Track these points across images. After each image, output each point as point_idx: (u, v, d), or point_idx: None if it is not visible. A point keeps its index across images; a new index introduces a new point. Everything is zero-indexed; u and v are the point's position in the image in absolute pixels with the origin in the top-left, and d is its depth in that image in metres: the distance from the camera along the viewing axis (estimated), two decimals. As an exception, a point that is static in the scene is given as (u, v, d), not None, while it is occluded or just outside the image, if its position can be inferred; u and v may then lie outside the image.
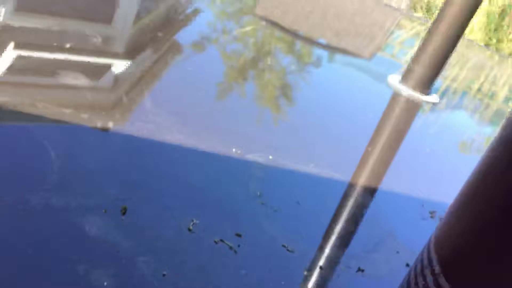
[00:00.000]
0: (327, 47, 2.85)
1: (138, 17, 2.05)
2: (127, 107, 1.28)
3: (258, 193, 1.09)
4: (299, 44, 2.69)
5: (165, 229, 0.89)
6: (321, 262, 0.96)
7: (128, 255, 0.80)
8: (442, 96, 2.63)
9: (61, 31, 1.53)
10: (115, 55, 1.59)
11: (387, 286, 0.97)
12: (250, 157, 1.23)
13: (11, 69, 1.23)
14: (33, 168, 0.92)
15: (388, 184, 1.41)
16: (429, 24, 2.40)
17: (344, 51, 2.89)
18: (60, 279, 0.72)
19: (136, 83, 1.41)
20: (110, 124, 1.15)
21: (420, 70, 2.29)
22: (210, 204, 1.01)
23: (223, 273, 0.84)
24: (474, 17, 2.28)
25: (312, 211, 1.14)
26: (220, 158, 1.19)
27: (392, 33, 3.94)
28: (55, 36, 1.49)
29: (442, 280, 0.61)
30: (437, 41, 2.22)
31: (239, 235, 0.93)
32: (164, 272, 0.79)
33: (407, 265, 1.04)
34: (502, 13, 4.58)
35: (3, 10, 1.51)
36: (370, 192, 1.33)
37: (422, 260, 0.65)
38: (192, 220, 0.92)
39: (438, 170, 1.67)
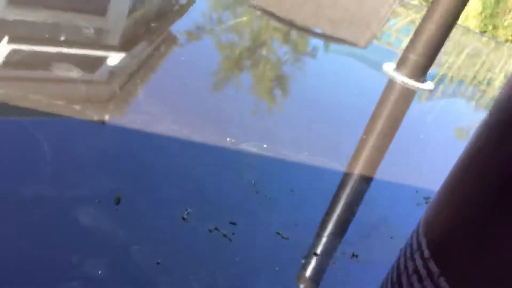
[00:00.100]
0: (322, 36, 2.85)
1: (132, 8, 2.05)
2: (121, 98, 1.28)
3: (253, 182, 1.10)
4: (294, 34, 2.69)
5: (159, 218, 0.89)
6: (316, 249, 0.97)
7: (122, 244, 0.80)
8: (438, 83, 2.64)
9: (54, 23, 1.53)
10: (109, 47, 1.59)
11: (381, 271, 0.97)
12: (245, 146, 1.24)
13: (4, 62, 1.23)
14: (26, 160, 0.92)
15: (383, 171, 1.42)
16: (424, 11, 2.40)
17: (340, 40, 2.89)
18: (54, 269, 0.73)
19: (130, 75, 1.41)
20: (104, 116, 1.16)
21: (414, 58, 2.29)
22: (204, 193, 1.02)
23: (217, 261, 0.85)
24: (468, 4, 2.28)
25: (307, 199, 1.14)
26: (215, 147, 1.20)
27: (387, 20, 3.93)
28: (49, 29, 1.49)
29: (431, 264, 0.61)
30: (431, 29, 2.22)
31: (233, 223, 0.94)
32: (159, 261, 0.80)
33: (401, 250, 1.05)
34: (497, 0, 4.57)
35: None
36: (364, 179, 1.33)
37: (411, 244, 0.66)
38: (186, 209, 0.93)
39: (433, 157, 1.68)
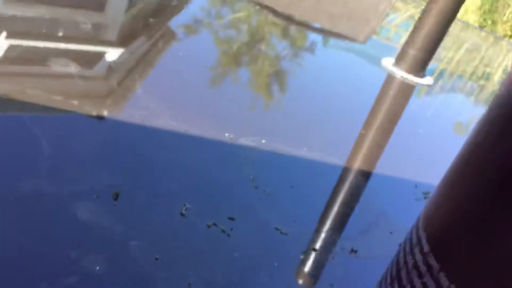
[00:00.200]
0: (321, 31, 2.84)
1: (130, 4, 2.04)
2: (119, 93, 1.28)
3: (251, 177, 1.10)
4: (293, 29, 2.68)
5: (158, 213, 0.89)
6: (315, 244, 0.97)
7: (120, 240, 0.80)
8: (437, 78, 2.63)
9: (52, 19, 1.52)
10: (107, 43, 1.58)
11: (380, 266, 0.97)
12: (243, 141, 1.23)
13: (2, 58, 1.22)
14: (24, 155, 0.92)
15: (382, 166, 1.42)
16: (423, 6, 2.40)
17: (339, 35, 2.88)
18: (52, 264, 0.72)
19: (128, 70, 1.40)
20: (102, 111, 1.15)
21: (414, 53, 2.29)
22: (203, 188, 1.01)
23: (216, 257, 0.85)
24: (467, -2, 2.27)
25: (306, 194, 1.14)
26: (213, 143, 1.19)
27: (386, 15, 3.92)
28: (47, 24, 1.48)
29: (431, 259, 0.61)
30: (430, 23, 2.22)
31: (232, 219, 0.94)
32: (157, 256, 0.79)
33: (400, 245, 1.05)
34: (497, -6, 4.57)
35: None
36: (363, 174, 1.33)
37: (411, 239, 0.65)
38: (185, 205, 0.93)
39: (432, 152, 1.68)
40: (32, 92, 1.11)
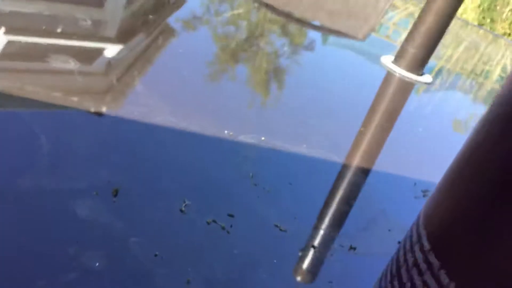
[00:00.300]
0: (320, 28, 2.84)
1: (129, 0, 2.03)
2: (118, 90, 1.27)
3: (251, 174, 1.10)
4: (292, 26, 2.68)
5: (157, 210, 0.89)
6: (314, 241, 0.97)
7: (119, 236, 0.80)
8: (436, 76, 2.63)
9: (51, 15, 1.52)
10: (106, 39, 1.58)
11: (379, 264, 0.97)
12: (243, 138, 1.23)
13: (1, 54, 1.22)
14: (23, 152, 0.92)
15: (381, 164, 1.42)
16: (422, 4, 2.40)
17: (338, 33, 2.88)
18: (51, 261, 0.72)
19: (127, 66, 1.40)
20: (101, 108, 1.15)
21: (412, 51, 2.29)
22: (202, 185, 1.01)
23: (215, 253, 0.85)
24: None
25: (305, 192, 1.14)
26: (212, 139, 1.19)
27: (386, 13, 3.92)
28: (46, 20, 1.48)
29: (431, 257, 0.61)
30: (430, 21, 2.22)
31: (231, 216, 0.94)
32: (156, 253, 0.79)
33: (399, 243, 1.05)
34: (496, -7, 4.57)
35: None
36: (362, 172, 1.33)
37: (411, 237, 0.65)
38: (184, 202, 0.93)
39: (431, 150, 1.68)
40: (31, 88, 1.10)
